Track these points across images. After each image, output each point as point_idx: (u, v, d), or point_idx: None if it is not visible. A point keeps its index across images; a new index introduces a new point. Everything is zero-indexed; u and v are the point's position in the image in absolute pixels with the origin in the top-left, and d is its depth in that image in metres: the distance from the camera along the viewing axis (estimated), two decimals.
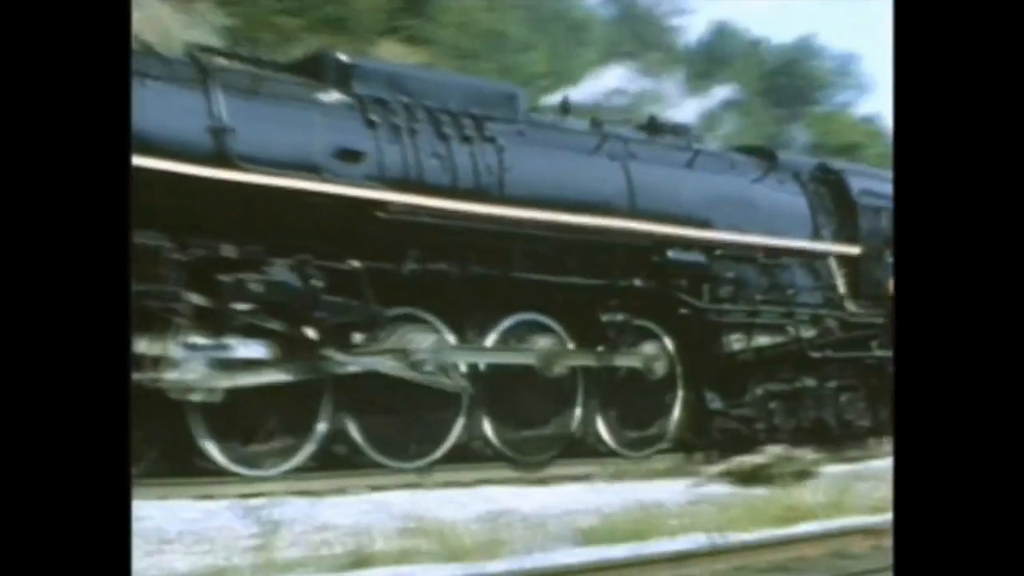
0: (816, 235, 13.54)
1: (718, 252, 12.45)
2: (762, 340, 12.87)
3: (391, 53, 18.48)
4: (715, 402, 12.42)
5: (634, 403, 11.92)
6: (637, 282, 11.78)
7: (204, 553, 6.24)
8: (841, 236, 13.75)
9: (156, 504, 6.91)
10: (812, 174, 13.91)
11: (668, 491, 9.25)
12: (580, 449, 11.34)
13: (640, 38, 29.69)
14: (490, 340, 10.56)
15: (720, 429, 12.41)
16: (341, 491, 8.19)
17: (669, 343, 12.06)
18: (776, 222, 13.22)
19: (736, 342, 12.65)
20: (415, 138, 9.88)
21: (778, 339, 13.01)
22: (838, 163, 15.01)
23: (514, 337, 10.74)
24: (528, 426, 10.92)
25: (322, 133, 9.27)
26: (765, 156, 14.09)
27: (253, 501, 6.80)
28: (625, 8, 31.59)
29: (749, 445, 11.93)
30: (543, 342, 10.89)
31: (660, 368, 11.87)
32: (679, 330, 12.18)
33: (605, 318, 11.57)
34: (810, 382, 13.05)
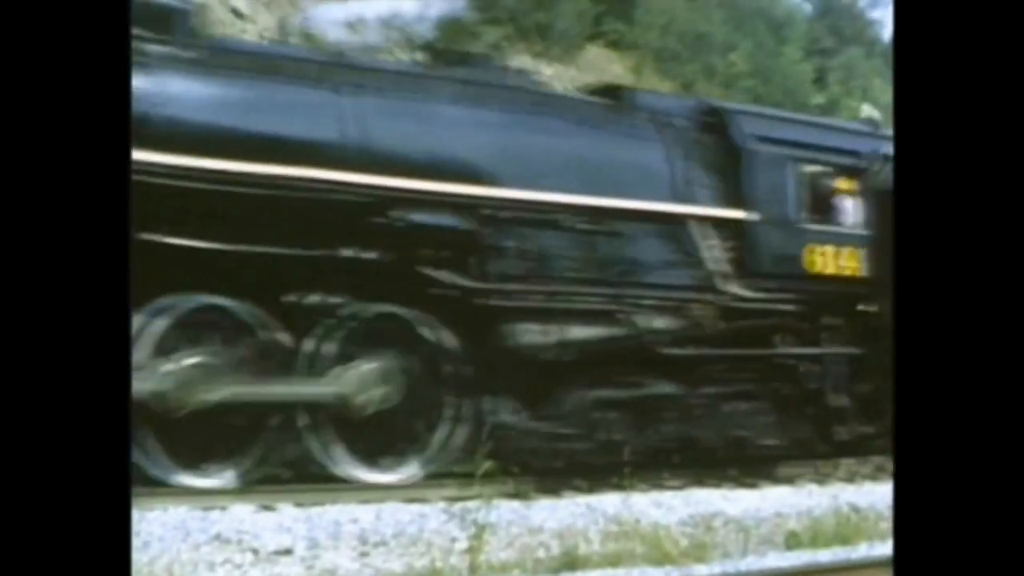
0: (679, 195, 9.74)
1: (489, 213, 8.80)
2: (580, 333, 9.22)
3: (596, 58, 17.91)
4: (500, 413, 8.74)
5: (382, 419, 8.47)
6: (351, 253, 8.24)
7: (419, 555, 6.28)
8: (733, 197, 10.10)
9: (368, 508, 6.95)
10: (682, 119, 10.19)
11: (878, 494, 8.50)
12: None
13: (839, 33, 29.19)
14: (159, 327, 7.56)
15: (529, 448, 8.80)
16: (554, 493, 8.15)
17: (429, 333, 8.53)
18: (609, 179, 9.52)
19: (529, 334, 9.03)
20: None
21: (609, 331, 9.32)
22: (729, 104, 11.50)
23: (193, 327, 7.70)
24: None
25: None
26: (615, 97, 10.33)
27: (464, 504, 6.59)
28: (825, 3, 30.60)
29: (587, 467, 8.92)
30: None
31: (375, 393, 8.21)
32: (441, 318, 8.68)
33: (307, 300, 8.21)
34: (667, 388, 9.36)
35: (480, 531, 6.13)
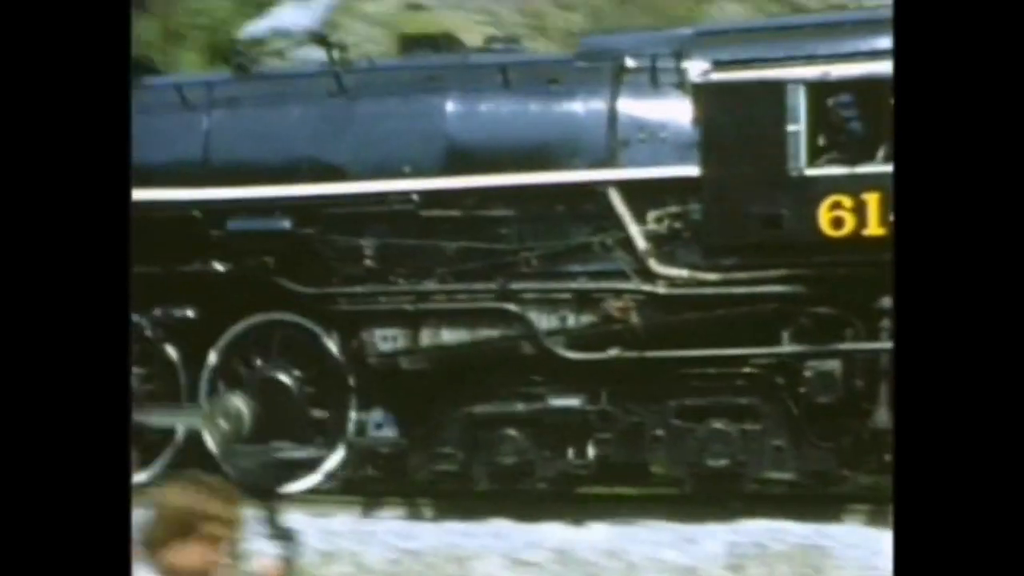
0: (605, 161, 7.84)
1: (334, 211, 8.05)
2: (454, 336, 8.02)
3: (732, 13, 15.58)
4: (373, 430, 7.96)
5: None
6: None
7: None
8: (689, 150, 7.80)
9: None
10: (611, 61, 8.07)
11: None
12: None
13: None
14: None
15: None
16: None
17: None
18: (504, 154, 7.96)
19: (387, 340, 8.08)
20: None
21: (496, 333, 7.95)
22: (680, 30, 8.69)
23: None
24: None
25: None
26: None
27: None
28: None
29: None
30: None
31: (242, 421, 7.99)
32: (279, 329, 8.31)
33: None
34: (572, 401, 7.74)
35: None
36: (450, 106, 8.30)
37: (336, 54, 8.92)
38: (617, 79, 8.07)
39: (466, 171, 8.12)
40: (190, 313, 8.40)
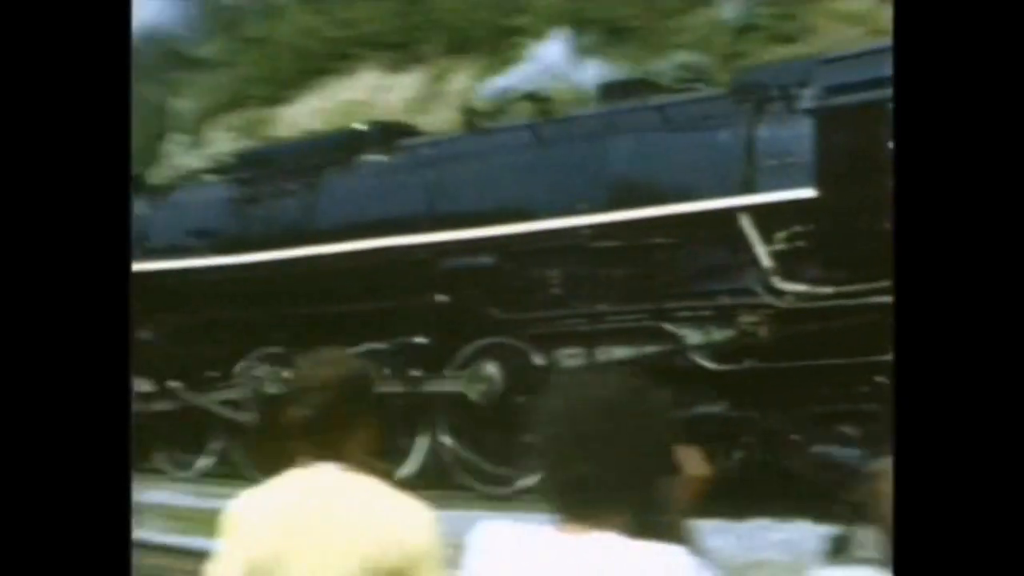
0: (750, 185, 8.79)
1: (515, 249, 10.04)
2: (620, 352, 9.25)
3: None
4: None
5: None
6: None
7: None
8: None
9: None
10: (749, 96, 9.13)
11: None
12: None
13: None
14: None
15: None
16: None
17: (493, 369, 10.14)
18: (642, 183, 9.43)
19: (571, 357, 9.56)
20: None
21: (650, 349, 9.04)
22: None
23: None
24: None
25: None
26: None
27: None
28: None
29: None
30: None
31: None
32: (498, 353, 10.18)
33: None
34: (716, 409, 8.57)
35: None
36: (619, 148, 9.85)
37: (541, 107, 11.05)
38: (758, 111, 9.13)
39: (629, 205, 9.55)
40: (423, 340, 10.67)
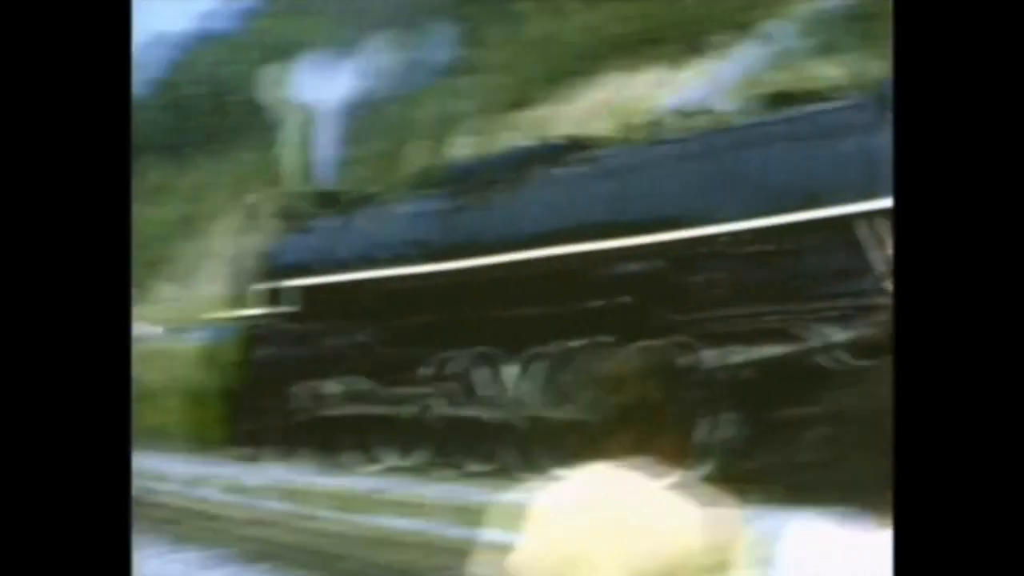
0: (871, 190, 9.31)
1: (676, 255, 11.18)
2: (771, 350, 10.02)
3: None
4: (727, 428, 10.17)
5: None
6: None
7: None
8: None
9: None
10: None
11: None
12: None
13: None
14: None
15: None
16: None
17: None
18: (772, 193, 10.37)
19: (734, 354, 10.36)
20: None
21: (777, 350, 9.94)
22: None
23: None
24: None
25: None
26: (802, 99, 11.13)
27: None
28: None
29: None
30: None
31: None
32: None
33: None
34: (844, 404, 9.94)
35: None
36: (759, 157, 10.70)
37: (707, 120, 12.31)
38: (882, 120, 9.49)
39: (771, 212, 10.37)
40: (607, 338, 11.44)
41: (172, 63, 56.29)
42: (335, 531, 13.00)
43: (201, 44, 56.06)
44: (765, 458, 10.20)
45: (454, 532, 10.90)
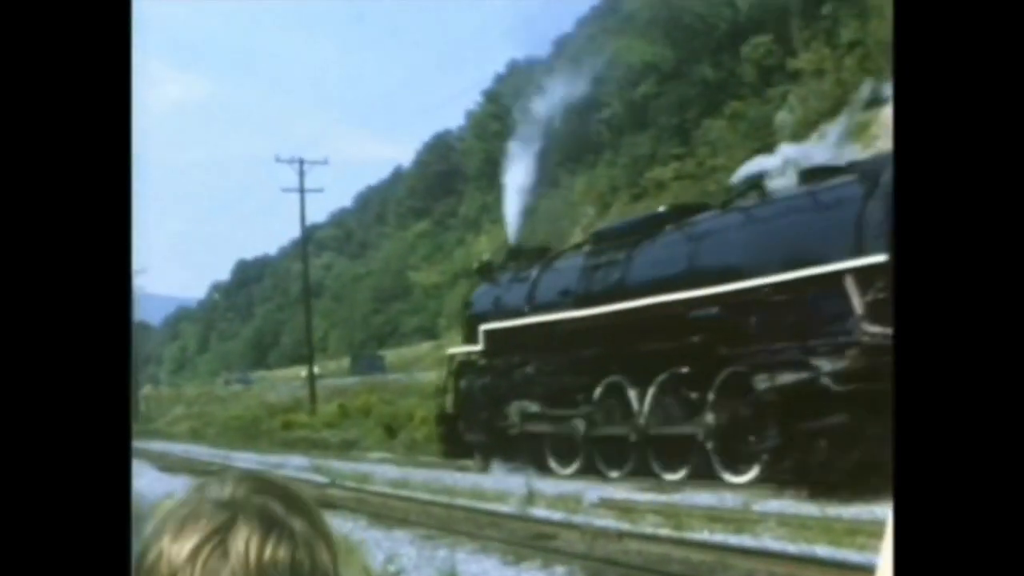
0: (861, 249, 14.06)
1: (732, 302, 15.64)
2: (785, 379, 14.55)
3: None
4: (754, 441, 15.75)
5: None
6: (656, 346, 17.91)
7: None
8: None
9: None
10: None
11: None
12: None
13: None
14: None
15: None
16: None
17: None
18: (794, 250, 15.86)
19: (760, 383, 15.05)
20: None
21: (799, 376, 14.21)
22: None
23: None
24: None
25: None
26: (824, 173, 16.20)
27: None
28: None
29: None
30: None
31: None
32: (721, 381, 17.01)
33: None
34: (842, 419, 13.76)
35: None
36: (785, 223, 15.76)
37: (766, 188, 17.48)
38: (871, 192, 14.12)
39: (793, 268, 15.69)
40: (685, 370, 17.60)
41: None
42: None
43: None
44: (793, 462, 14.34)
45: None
